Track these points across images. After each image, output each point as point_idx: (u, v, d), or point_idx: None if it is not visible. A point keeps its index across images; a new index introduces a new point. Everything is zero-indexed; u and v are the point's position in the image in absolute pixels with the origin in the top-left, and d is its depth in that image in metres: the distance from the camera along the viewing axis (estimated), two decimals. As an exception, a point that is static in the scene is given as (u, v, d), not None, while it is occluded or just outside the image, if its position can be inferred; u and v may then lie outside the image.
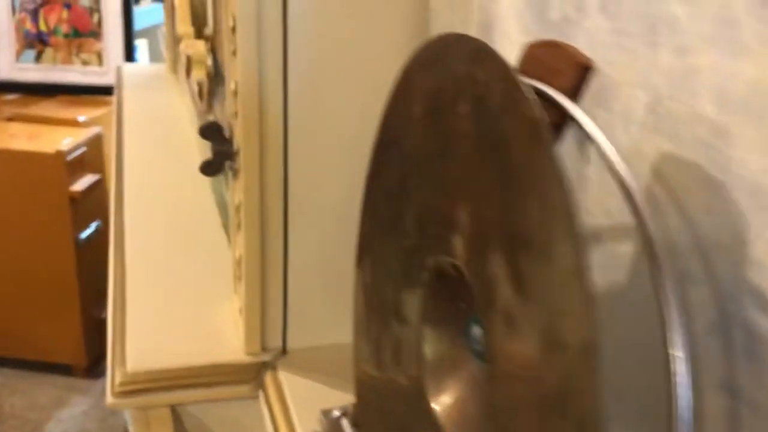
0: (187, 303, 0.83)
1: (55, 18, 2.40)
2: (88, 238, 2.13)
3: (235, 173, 0.73)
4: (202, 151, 1.24)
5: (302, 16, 0.65)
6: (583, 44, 0.45)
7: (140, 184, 1.14)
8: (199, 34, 1.47)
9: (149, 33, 2.61)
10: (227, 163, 0.75)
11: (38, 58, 2.39)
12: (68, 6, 2.39)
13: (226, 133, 0.75)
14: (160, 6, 2.64)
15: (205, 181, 1.17)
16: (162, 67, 1.90)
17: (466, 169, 0.38)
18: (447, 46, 0.38)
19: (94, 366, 2.27)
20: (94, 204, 2.15)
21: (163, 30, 2.22)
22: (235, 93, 0.69)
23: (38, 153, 2.01)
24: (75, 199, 2.04)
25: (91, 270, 2.16)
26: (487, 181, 0.36)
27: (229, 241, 0.98)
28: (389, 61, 0.70)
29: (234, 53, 0.69)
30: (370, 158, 0.54)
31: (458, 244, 0.41)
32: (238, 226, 0.74)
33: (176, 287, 0.86)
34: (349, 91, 0.69)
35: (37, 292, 2.13)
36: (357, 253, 0.57)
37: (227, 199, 0.99)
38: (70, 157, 2.02)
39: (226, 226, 1.00)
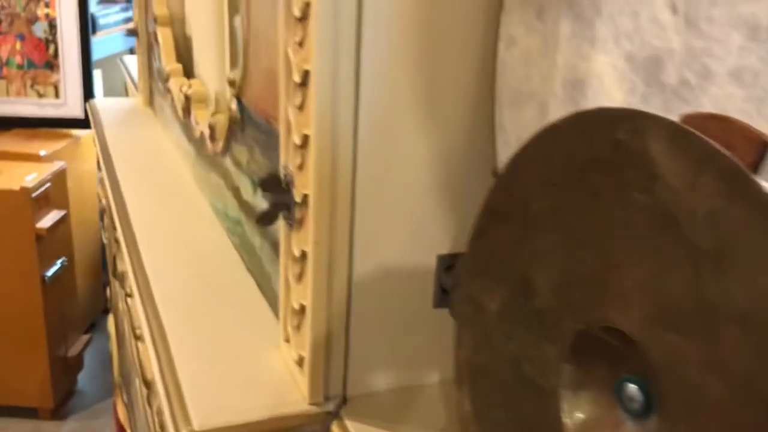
0: (234, 354, 0.82)
1: (7, 49, 2.34)
2: (54, 275, 2.07)
3: (296, 223, 0.73)
4: (203, 189, 1.23)
5: (374, 71, 0.66)
6: (710, 110, 0.47)
7: (152, 231, 1.12)
8: (186, 71, 1.47)
9: (103, 64, 2.56)
10: (283, 213, 0.75)
11: (-12, 90, 2.33)
12: (22, 37, 2.33)
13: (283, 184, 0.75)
14: (115, 36, 2.60)
15: (215, 222, 1.16)
16: (133, 101, 1.87)
17: (641, 241, 0.40)
18: (617, 119, 0.40)
19: (60, 407, 2.20)
20: (59, 240, 2.09)
21: (125, 61, 2.19)
22: (302, 145, 0.69)
23: (2, 190, 1.94)
24: (41, 237, 1.98)
25: (57, 308, 2.10)
26: (673, 255, 0.37)
27: (259, 284, 0.97)
28: (455, 112, 0.71)
29: (301, 107, 0.69)
30: (480, 216, 0.55)
31: (623, 312, 0.42)
32: (299, 276, 0.74)
33: (219, 338, 0.85)
34: (417, 142, 0.70)
35: (2, 333, 2.05)
36: (459, 303, 0.58)
37: (254, 243, 0.99)
38: (35, 194, 1.96)
39: (251, 270, 1.00)
